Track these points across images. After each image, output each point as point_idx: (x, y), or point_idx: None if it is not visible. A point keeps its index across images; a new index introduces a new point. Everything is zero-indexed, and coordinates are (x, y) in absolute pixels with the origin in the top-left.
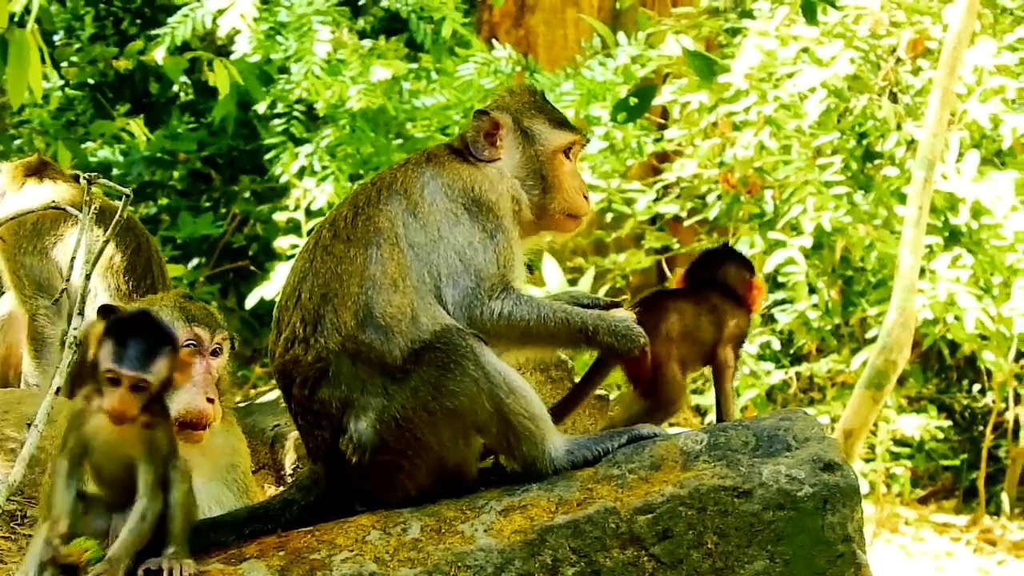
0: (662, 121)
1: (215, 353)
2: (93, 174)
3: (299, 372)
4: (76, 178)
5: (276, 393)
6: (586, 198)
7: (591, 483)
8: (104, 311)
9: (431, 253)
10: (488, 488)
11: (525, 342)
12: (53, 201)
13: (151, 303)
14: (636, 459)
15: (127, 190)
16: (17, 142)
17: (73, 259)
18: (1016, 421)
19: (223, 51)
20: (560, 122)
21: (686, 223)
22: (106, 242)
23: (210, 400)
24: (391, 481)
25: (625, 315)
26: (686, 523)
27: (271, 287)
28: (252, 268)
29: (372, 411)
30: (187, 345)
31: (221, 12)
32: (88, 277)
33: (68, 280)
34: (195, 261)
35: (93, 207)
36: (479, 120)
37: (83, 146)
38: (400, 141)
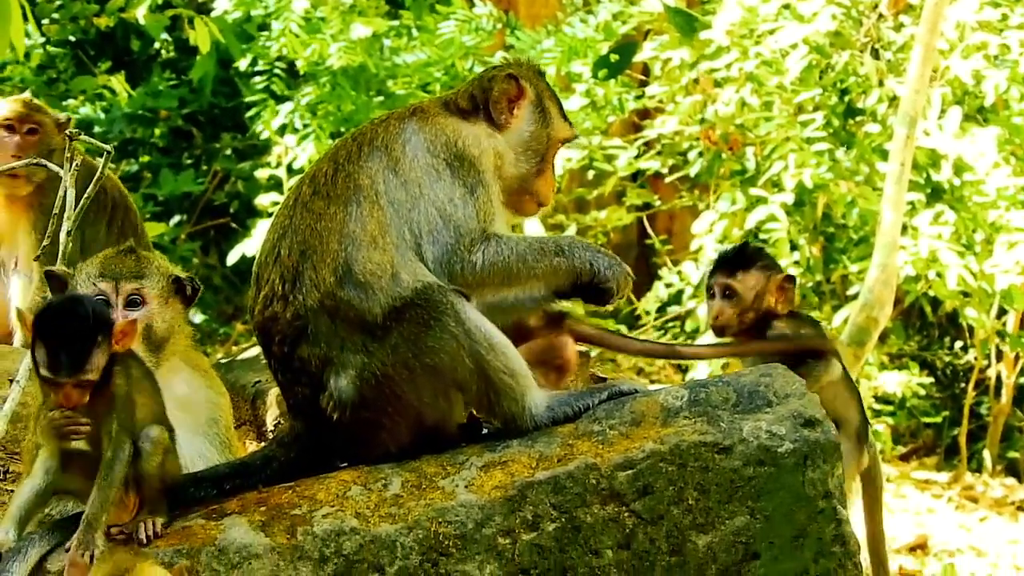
0: (643, 78)
1: (131, 304)
2: (75, 131)
3: (278, 329)
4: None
5: (257, 350)
6: (554, 192)
7: (571, 439)
8: (48, 276)
9: (412, 210)
10: (469, 444)
11: (509, 284)
12: (36, 158)
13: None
14: (617, 415)
15: (108, 147)
16: None
17: (54, 216)
18: (998, 378)
19: (204, 8)
20: (565, 115)
21: (667, 180)
22: (87, 199)
23: None
24: (372, 438)
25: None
26: (666, 479)
27: (252, 244)
28: (233, 225)
29: (352, 368)
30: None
31: None
32: (69, 234)
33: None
34: (176, 218)
35: (75, 164)
36: (508, 83)
37: (64, 103)
38: (381, 99)
